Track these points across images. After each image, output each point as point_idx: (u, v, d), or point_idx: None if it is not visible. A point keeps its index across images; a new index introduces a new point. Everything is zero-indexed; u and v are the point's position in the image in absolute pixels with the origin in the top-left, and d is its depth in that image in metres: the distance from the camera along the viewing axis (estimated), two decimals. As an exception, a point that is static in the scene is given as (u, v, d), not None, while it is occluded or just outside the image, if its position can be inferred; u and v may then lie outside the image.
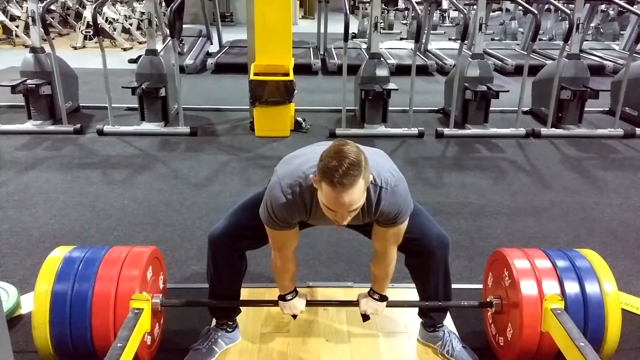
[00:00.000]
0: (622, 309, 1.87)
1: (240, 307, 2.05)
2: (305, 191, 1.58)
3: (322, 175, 1.42)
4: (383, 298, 1.87)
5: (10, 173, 3.70)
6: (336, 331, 2.11)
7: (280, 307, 1.89)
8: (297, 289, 1.89)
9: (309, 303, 1.95)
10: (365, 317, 1.92)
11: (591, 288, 1.77)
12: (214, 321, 2.04)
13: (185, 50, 7.79)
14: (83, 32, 9.33)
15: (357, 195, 1.43)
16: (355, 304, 1.92)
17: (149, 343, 1.83)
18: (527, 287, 1.76)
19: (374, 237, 1.75)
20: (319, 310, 2.22)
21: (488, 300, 1.97)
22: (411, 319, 2.14)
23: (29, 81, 4.53)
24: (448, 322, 2.09)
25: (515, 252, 1.91)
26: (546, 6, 7.56)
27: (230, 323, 2.02)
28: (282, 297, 1.87)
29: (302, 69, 6.74)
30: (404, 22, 13.66)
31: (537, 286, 1.76)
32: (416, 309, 2.06)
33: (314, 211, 1.62)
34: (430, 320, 2.02)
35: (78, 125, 4.58)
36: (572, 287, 1.77)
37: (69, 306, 1.70)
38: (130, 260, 1.81)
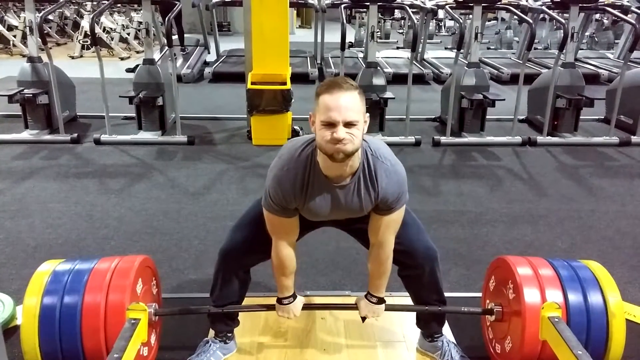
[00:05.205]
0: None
1: (238, 319, 2.04)
2: (301, 165, 1.60)
3: (319, 92, 1.50)
4: (381, 301, 1.86)
5: (7, 183, 3.70)
6: (334, 341, 2.10)
7: (277, 310, 1.88)
8: (296, 294, 1.88)
9: (307, 307, 1.94)
10: (364, 318, 1.93)
11: (595, 299, 1.75)
12: (210, 333, 2.03)
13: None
14: (81, 41, 9.35)
15: (353, 102, 1.48)
16: (353, 307, 1.92)
17: (145, 354, 1.82)
18: (530, 297, 1.74)
19: (372, 229, 1.73)
20: (316, 320, 2.22)
21: (488, 307, 1.97)
22: (409, 328, 2.14)
23: (26, 91, 4.54)
24: (447, 331, 2.09)
25: (518, 259, 1.90)
26: (541, 15, 7.62)
27: (229, 335, 2.01)
28: (279, 301, 1.86)
29: (299, 78, 6.76)
30: (401, 31, 13.74)
31: (540, 296, 1.75)
32: (414, 318, 2.06)
33: (311, 190, 1.62)
34: (428, 330, 2.02)
35: (75, 135, 4.58)
36: (575, 298, 1.75)
37: (58, 323, 1.66)
38: (119, 272, 1.77)
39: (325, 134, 1.48)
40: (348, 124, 1.47)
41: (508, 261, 1.89)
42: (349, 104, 1.47)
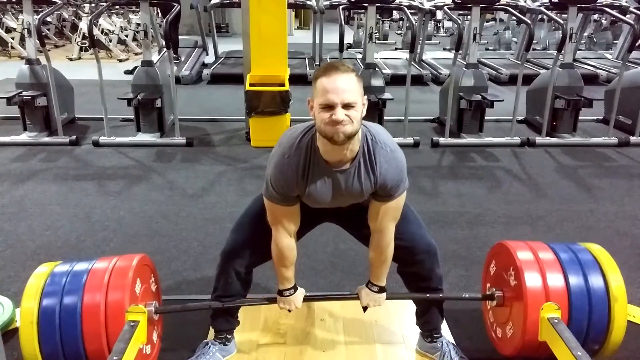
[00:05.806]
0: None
1: (239, 319, 2.04)
2: (301, 151, 1.61)
3: (316, 76, 1.51)
4: (382, 290, 1.86)
5: (6, 185, 3.69)
6: (333, 342, 2.10)
7: (278, 302, 1.88)
8: (297, 286, 1.89)
9: (308, 299, 1.94)
10: (366, 308, 1.93)
11: (596, 282, 1.73)
12: (210, 334, 2.03)
13: (182, 59, 7.85)
14: (79, 43, 9.34)
15: (350, 84, 1.48)
16: (354, 297, 1.92)
17: (148, 352, 1.82)
18: (531, 281, 1.74)
19: (371, 215, 1.73)
20: (315, 320, 2.22)
21: (489, 292, 1.97)
22: (408, 329, 2.14)
23: (24, 93, 4.54)
24: (446, 332, 2.09)
25: (519, 244, 1.89)
26: (540, 16, 7.64)
27: (229, 336, 2.01)
28: (280, 292, 1.86)
29: (297, 79, 6.75)
30: (399, 32, 13.76)
31: (542, 280, 1.74)
32: (413, 319, 2.06)
33: (312, 176, 1.62)
34: (427, 327, 2.01)
35: (74, 137, 4.57)
36: (577, 282, 1.74)
37: (59, 326, 1.65)
38: (117, 271, 1.76)
39: (324, 116, 1.48)
40: (346, 106, 1.47)
41: (508, 246, 1.88)
42: (346, 85, 1.47)
